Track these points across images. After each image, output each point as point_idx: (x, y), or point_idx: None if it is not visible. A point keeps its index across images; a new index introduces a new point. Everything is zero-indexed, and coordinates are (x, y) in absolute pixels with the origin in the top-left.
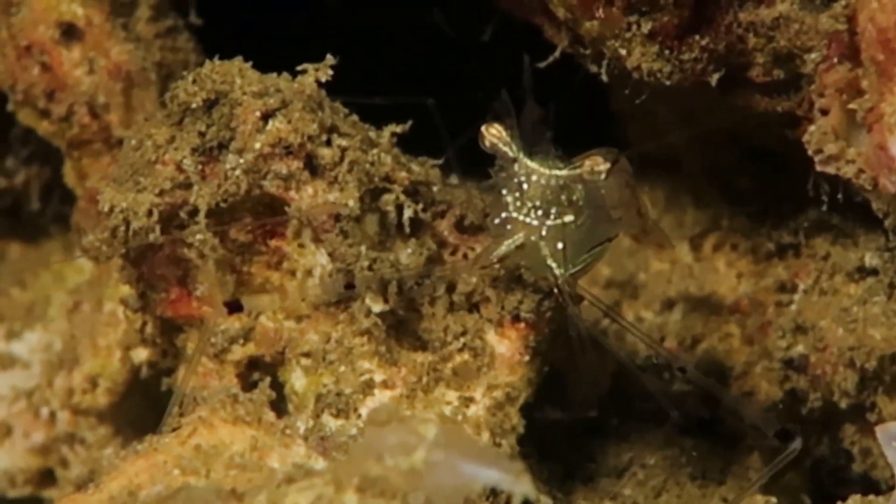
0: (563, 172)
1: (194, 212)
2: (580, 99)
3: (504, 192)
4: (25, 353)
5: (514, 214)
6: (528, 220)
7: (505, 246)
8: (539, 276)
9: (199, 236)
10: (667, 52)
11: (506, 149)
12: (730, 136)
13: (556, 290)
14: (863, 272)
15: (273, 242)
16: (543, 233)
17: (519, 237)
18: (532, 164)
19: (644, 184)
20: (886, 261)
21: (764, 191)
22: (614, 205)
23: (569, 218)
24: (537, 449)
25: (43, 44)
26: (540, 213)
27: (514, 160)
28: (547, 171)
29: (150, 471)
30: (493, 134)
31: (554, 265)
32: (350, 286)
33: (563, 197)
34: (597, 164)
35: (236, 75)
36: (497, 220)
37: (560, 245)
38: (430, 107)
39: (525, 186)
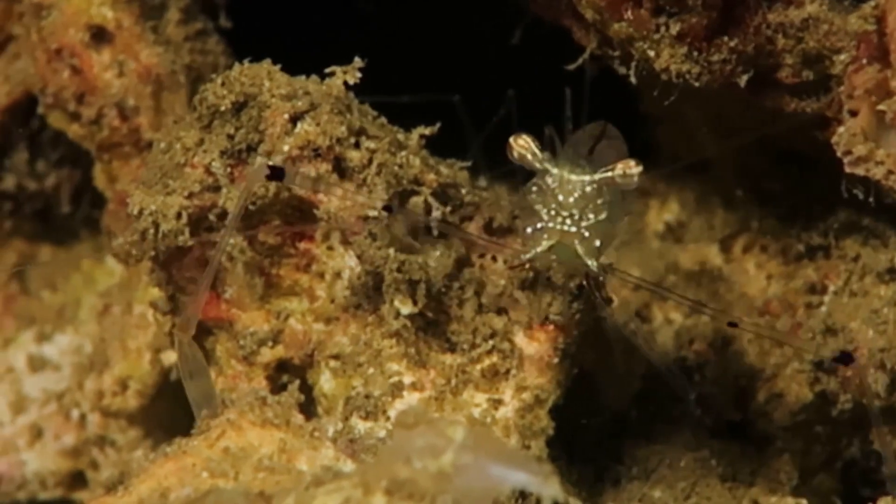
0: (597, 177)
1: (223, 214)
2: (609, 101)
3: (538, 205)
4: (56, 356)
5: (551, 225)
6: (565, 227)
7: (535, 249)
8: (572, 273)
9: (226, 238)
10: (695, 53)
11: (535, 161)
12: (759, 138)
13: (588, 288)
14: (893, 273)
15: (302, 245)
16: (580, 238)
17: (551, 240)
18: (564, 174)
19: (674, 185)
20: None
21: (793, 192)
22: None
23: (602, 216)
24: (566, 451)
25: (73, 47)
26: (577, 218)
27: (545, 171)
28: (580, 179)
29: (179, 473)
30: (521, 145)
31: (591, 263)
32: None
33: (598, 199)
34: (629, 167)
35: (265, 78)
36: (531, 230)
37: (597, 242)
38: (457, 105)
39: (560, 197)
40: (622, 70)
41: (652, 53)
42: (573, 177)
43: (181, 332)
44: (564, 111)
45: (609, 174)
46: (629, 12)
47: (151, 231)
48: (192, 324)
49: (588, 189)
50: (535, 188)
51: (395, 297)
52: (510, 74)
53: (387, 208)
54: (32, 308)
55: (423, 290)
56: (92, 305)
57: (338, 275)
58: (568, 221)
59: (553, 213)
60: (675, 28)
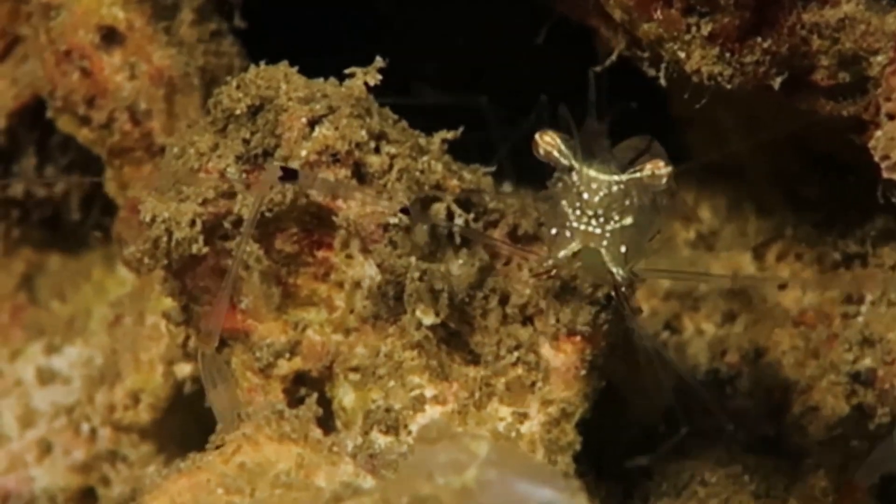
0: (624, 177)
1: (238, 221)
2: (638, 104)
3: (563, 202)
4: (65, 368)
5: (576, 225)
6: (590, 229)
7: (561, 255)
8: (598, 282)
9: (242, 246)
10: (727, 54)
11: (561, 157)
12: (794, 142)
13: (615, 297)
14: None
15: (320, 253)
16: (605, 241)
17: (576, 246)
18: (591, 172)
19: (705, 191)
20: None
21: (829, 198)
22: (662, 195)
23: (628, 220)
24: (594, 467)
25: (83, 48)
26: (602, 220)
27: (571, 168)
28: (607, 178)
29: (193, 490)
30: (548, 142)
31: (617, 270)
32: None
33: (626, 201)
34: (658, 168)
35: (281, 80)
36: (555, 231)
37: (623, 248)
38: (482, 107)
39: (585, 196)
40: (651, 72)
41: (682, 55)
42: (600, 175)
43: (204, 343)
44: (588, 96)
45: (637, 175)
46: (659, 12)
47: (164, 239)
48: (214, 334)
49: (614, 189)
50: (559, 186)
51: (416, 307)
52: (536, 75)
53: (404, 210)
54: (41, 319)
55: (446, 300)
56: (103, 316)
57: (357, 284)
58: (593, 223)
59: (577, 212)
60: (706, 28)
